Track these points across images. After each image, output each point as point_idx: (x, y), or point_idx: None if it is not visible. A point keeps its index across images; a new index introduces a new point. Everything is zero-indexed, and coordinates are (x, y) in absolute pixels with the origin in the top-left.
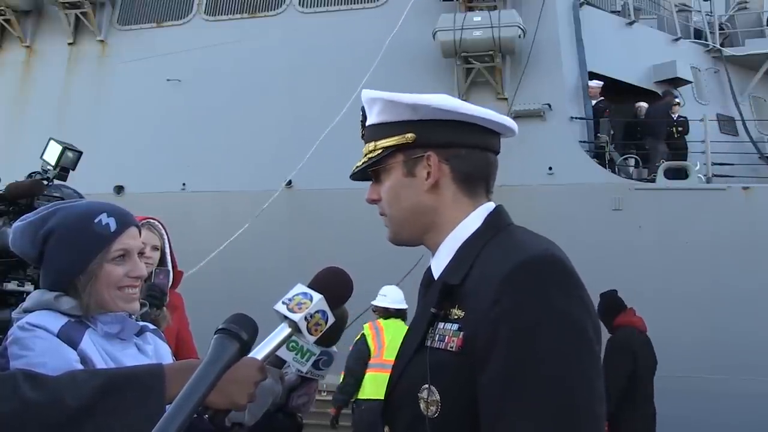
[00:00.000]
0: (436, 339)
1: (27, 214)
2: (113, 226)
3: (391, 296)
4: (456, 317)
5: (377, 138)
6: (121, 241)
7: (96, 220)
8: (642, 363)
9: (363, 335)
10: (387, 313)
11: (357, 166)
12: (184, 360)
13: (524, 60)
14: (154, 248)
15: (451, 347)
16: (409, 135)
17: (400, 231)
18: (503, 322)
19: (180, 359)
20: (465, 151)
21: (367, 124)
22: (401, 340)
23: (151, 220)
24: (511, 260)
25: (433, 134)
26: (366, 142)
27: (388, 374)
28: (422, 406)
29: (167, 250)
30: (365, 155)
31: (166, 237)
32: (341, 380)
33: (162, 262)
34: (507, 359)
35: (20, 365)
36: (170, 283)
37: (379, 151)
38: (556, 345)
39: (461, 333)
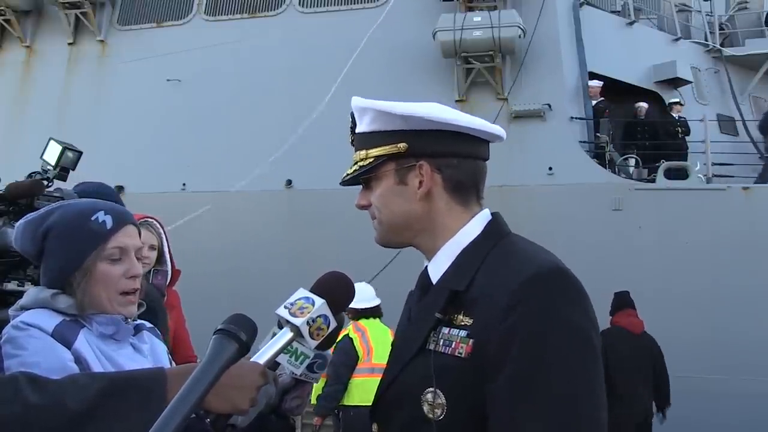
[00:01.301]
0: (441, 344)
1: (30, 213)
2: (109, 224)
3: (360, 295)
4: (463, 324)
5: (368, 147)
6: (117, 239)
7: (93, 218)
8: (614, 363)
9: (348, 338)
10: (357, 314)
11: (348, 174)
12: (186, 364)
13: (524, 60)
14: (152, 248)
15: (460, 353)
16: (402, 145)
17: (390, 235)
18: (516, 331)
19: (177, 357)
20: (457, 161)
21: (358, 131)
22: (392, 342)
23: (149, 219)
24: (523, 272)
25: (425, 144)
26: (356, 150)
27: (378, 378)
28: (426, 408)
29: (165, 250)
30: (356, 163)
31: (164, 236)
32: (324, 385)
33: (160, 261)
34: (519, 367)
35: (14, 364)
36: (168, 283)
37: (371, 160)
38: (566, 354)
39: (470, 340)
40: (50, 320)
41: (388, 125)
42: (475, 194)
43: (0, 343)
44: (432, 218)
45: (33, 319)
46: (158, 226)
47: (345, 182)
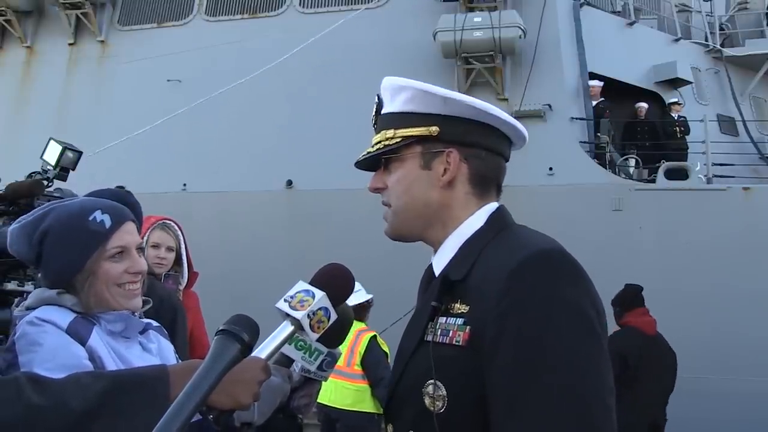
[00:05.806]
0: (439, 334)
1: (22, 216)
2: (108, 223)
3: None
4: (460, 312)
5: (398, 126)
6: (118, 238)
7: (90, 218)
8: (638, 371)
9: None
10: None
11: (369, 152)
12: (187, 361)
13: (525, 60)
14: (169, 249)
15: (458, 341)
16: (434, 128)
17: (402, 224)
18: (513, 313)
19: (194, 357)
20: (485, 153)
21: (389, 111)
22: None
23: (167, 221)
24: (520, 254)
25: (456, 131)
26: (381, 130)
27: (336, 380)
28: (427, 401)
29: (183, 251)
30: (379, 142)
31: (181, 238)
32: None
33: (177, 262)
34: (517, 350)
35: (28, 360)
36: (183, 285)
37: (398, 140)
38: (567, 336)
39: (467, 327)
40: (64, 317)
41: (425, 107)
42: (495, 190)
43: (14, 338)
44: (448, 208)
45: (47, 315)
46: (176, 228)
47: (362, 161)
